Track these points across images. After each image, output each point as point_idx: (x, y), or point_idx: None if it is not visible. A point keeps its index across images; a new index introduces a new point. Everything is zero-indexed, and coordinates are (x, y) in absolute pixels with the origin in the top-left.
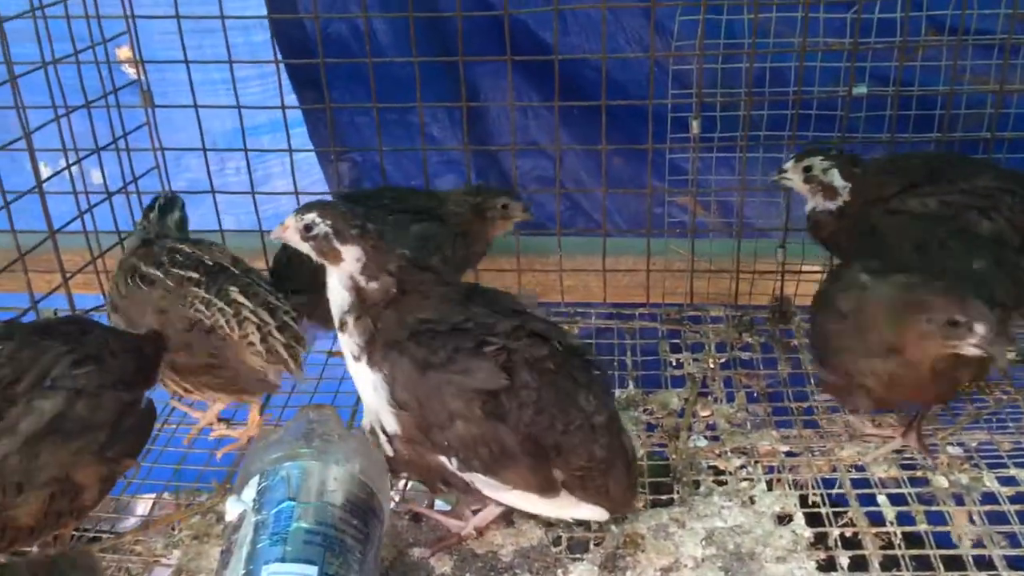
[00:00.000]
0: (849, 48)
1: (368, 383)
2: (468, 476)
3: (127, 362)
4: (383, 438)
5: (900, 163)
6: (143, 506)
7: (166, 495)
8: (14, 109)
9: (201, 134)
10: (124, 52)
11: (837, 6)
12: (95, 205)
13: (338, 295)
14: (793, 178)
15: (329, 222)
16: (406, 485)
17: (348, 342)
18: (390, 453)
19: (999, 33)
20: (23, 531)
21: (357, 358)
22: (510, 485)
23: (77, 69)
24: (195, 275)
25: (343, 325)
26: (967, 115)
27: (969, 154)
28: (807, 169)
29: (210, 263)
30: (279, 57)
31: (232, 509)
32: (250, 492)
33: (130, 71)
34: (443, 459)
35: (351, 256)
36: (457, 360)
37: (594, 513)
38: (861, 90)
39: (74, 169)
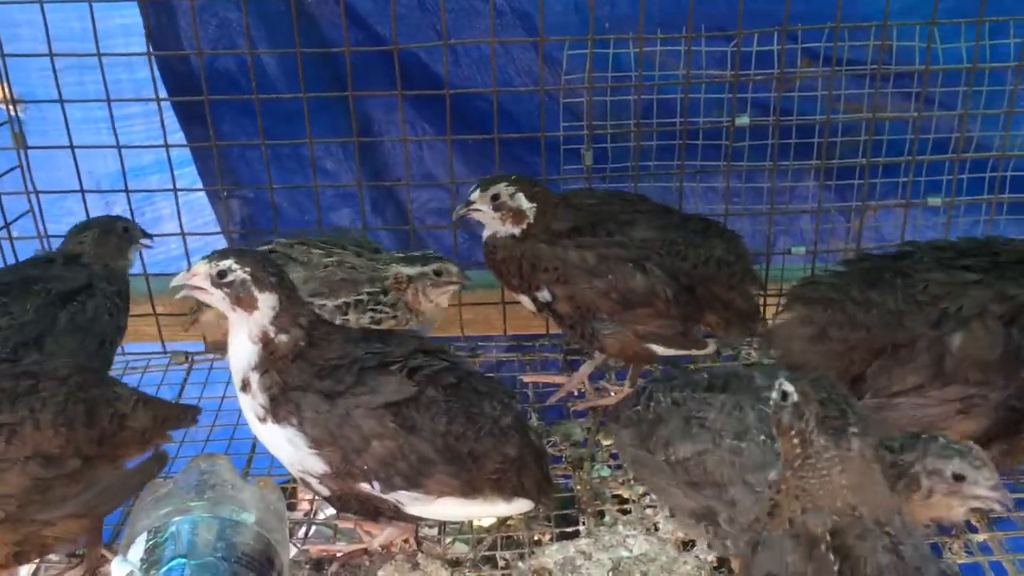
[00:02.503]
0: (730, 79)
1: (281, 439)
2: (393, 496)
3: (63, 434)
4: (314, 482)
5: (574, 201)
6: (26, 570)
7: (54, 556)
8: None
9: (79, 175)
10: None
11: (718, 40)
12: None
13: (244, 349)
14: (483, 208)
15: (248, 268)
16: (307, 531)
17: (251, 404)
18: (326, 493)
19: (869, 63)
20: None
21: (262, 419)
22: (435, 494)
23: None
24: None
25: (246, 385)
26: (844, 142)
27: (845, 180)
28: (495, 197)
29: None
30: (161, 94)
31: (118, 570)
32: (137, 551)
33: (15, 110)
34: (365, 485)
35: (266, 304)
36: (364, 381)
37: (521, 506)
38: (743, 120)
39: None
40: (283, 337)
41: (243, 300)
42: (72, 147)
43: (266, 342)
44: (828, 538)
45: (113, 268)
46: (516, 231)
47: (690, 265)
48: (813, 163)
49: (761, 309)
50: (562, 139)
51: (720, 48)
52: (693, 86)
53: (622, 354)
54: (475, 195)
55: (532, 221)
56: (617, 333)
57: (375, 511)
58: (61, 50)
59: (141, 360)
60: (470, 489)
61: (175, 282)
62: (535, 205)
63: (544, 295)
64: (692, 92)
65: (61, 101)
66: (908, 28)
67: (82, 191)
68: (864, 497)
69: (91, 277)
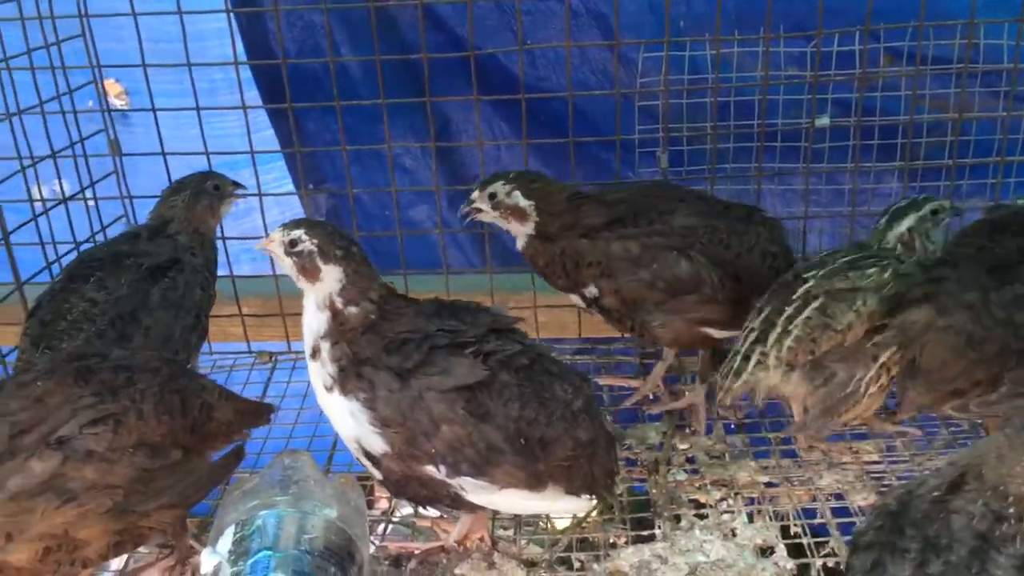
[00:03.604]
0: (810, 80)
1: (344, 412)
2: (457, 481)
3: (165, 424)
4: (368, 463)
5: (608, 197)
6: (117, 561)
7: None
8: None
9: (169, 180)
10: (114, 86)
11: (797, 40)
12: (63, 256)
13: (313, 317)
14: (484, 208)
15: (316, 240)
16: (385, 528)
17: (320, 372)
18: (379, 476)
19: (956, 62)
20: (20, 573)
21: (329, 389)
22: (499, 484)
23: (42, 119)
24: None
25: (315, 352)
26: (928, 143)
27: (930, 181)
28: (492, 196)
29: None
30: (253, 92)
31: (208, 561)
32: (225, 543)
33: (119, 103)
34: (431, 468)
35: (331, 277)
36: (434, 361)
37: (578, 505)
38: (824, 121)
39: (41, 219)
40: (352, 309)
41: (308, 270)
42: (163, 153)
43: (334, 312)
44: None
45: (203, 232)
46: (529, 230)
47: (733, 254)
48: (897, 164)
49: None
50: (637, 141)
51: (799, 48)
52: (771, 87)
53: (677, 343)
54: (475, 194)
55: (538, 219)
56: (668, 322)
57: (432, 497)
58: (160, 50)
59: (227, 359)
60: (537, 482)
61: (256, 247)
62: (533, 202)
63: (592, 291)
64: (770, 93)
65: (154, 110)
66: (996, 25)
67: None
68: None
69: (176, 250)
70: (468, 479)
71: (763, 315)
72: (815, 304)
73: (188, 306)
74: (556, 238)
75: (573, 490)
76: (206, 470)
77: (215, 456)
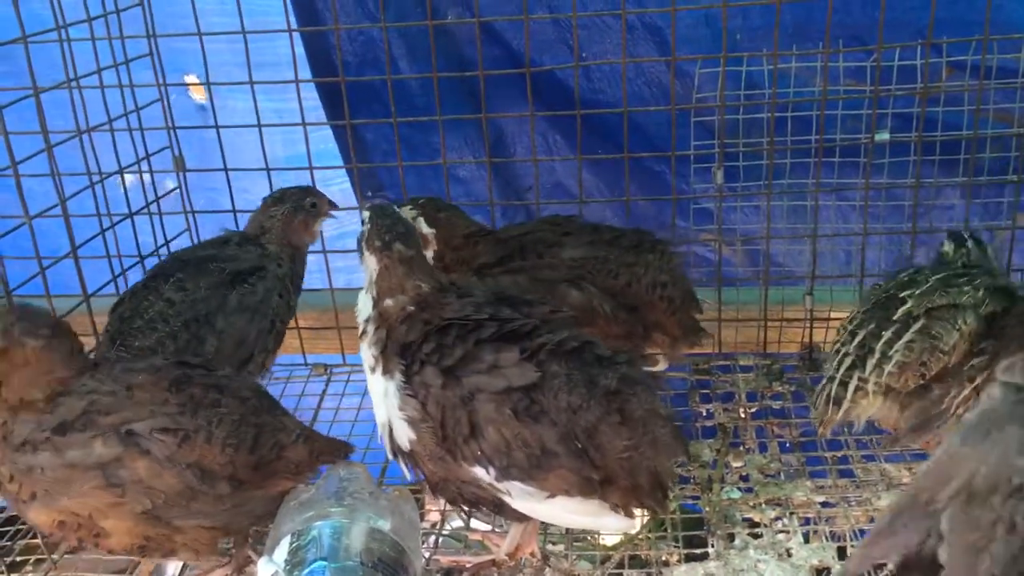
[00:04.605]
0: (870, 95)
1: (380, 392)
2: (505, 485)
3: (228, 455)
4: (400, 461)
5: (501, 234)
6: (173, 566)
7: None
8: (50, 176)
9: (231, 195)
10: (193, 79)
11: (856, 53)
12: (128, 269)
13: (363, 300)
14: None
15: (368, 227)
16: (436, 541)
17: (366, 352)
18: (408, 476)
19: (1021, 75)
20: (39, 527)
21: (372, 369)
22: (549, 491)
23: (111, 135)
24: (881, 295)
25: (364, 333)
26: (991, 158)
27: (993, 197)
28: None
29: (897, 293)
30: (317, 106)
31: (264, 570)
32: (281, 553)
33: (196, 96)
34: (478, 471)
35: (370, 265)
36: (481, 356)
37: (623, 523)
38: (884, 136)
39: (107, 233)
40: (388, 301)
41: (360, 253)
42: (226, 169)
43: (375, 299)
44: None
45: (296, 245)
46: (430, 257)
47: (623, 283)
48: (959, 180)
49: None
50: (693, 157)
51: (859, 63)
52: (830, 102)
53: None
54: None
55: (436, 248)
56: None
57: (473, 500)
58: (229, 59)
59: (284, 371)
60: (588, 487)
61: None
62: (435, 230)
63: None
64: (829, 108)
65: (217, 127)
66: None
67: (234, 211)
68: None
69: (263, 258)
70: (517, 484)
71: (858, 339)
72: (917, 326)
73: (264, 311)
74: (450, 270)
75: (623, 497)
76: (261, 503)
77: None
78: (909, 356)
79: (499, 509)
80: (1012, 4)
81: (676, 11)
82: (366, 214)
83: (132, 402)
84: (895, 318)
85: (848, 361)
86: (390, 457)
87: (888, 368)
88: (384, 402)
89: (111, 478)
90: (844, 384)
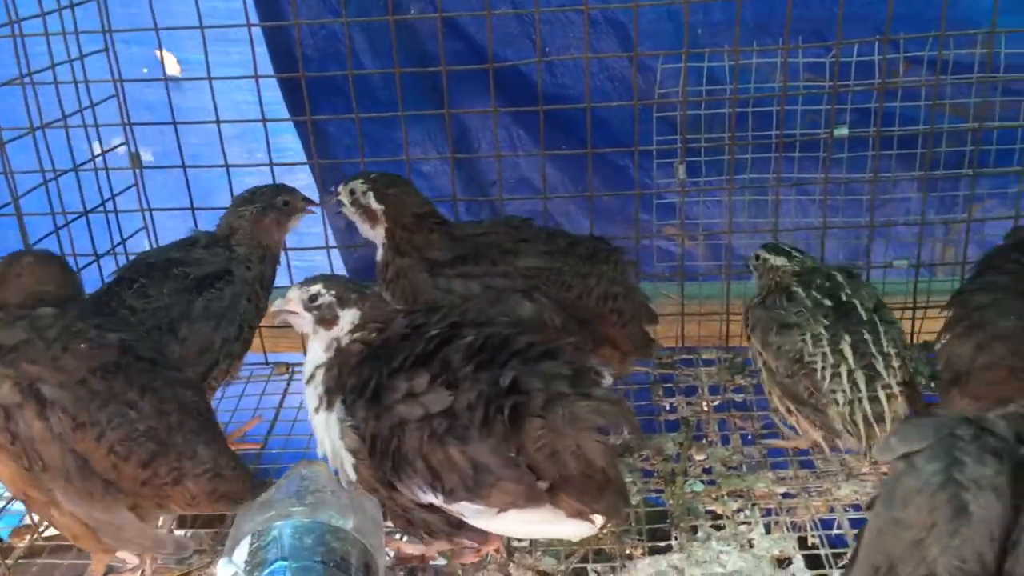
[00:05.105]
0: (829, 91)
1: (322, 423)
2: (456, 507)
3: (111, 460)
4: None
5: (457, 231)
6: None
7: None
8: (2, 175)
9: (190, 193)
10: (169, 58)
11: (816, 49)
12: (83, 268)
13: (319, 352)
14: (346, 203)
15: (333, 291)
16: (401, 538)
17: (311, 394)
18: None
19: (976, 71)
20: None
21: (317, 409)
22: (498, 506)
23: (65, 132)
24: (829, 303)
25: (311, 378)
26: (948, 149)
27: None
28: (352, 193)
29: (845, 299)
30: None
31: (224, 571)
32: (241, 553)
33: (171, 71)
34: (424, 495)
35: (347, 319)
36: (395, 385)
37: (581, 528)
38: (842, 131)
39: (61, 232)
40: (357, 335)
41: (327, 320)
42: (184, 167)
43: (340, 347)
44: None
45: (267, 245)
46: (382, 237)
47: (575, 295)
48: (916, 175)
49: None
50: (655, 152)
51: (818, 58)
52: (790, 97)
53: None
54: (340, 187)
55: (387, 226)
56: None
57: (429, 529)
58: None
59: (245, 370)
60: (535, 495)
61: (274, 308)
62: (383, 207)
63: None
64: (789, 103)
65: (175, 123)
66: (1017, 33)
67: (192, 208)
68: None
69: (230, 261)
70: (465, 504)
71: (850, 354)
72: (878, 319)
73: (231, 317)
74: (403, 253)
75: (575, 502)
76: (134, 528)
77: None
78: (898, 346)
79: (457, 529)
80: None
81: (639, 7)
82: (315, 287)
83: (55, 365)
84: (864, 319)
85: (862, 376)
86: (346, 487)
87: (895, 364)
88: (327, 435)
89: (7, 422)
90: (874, 399)
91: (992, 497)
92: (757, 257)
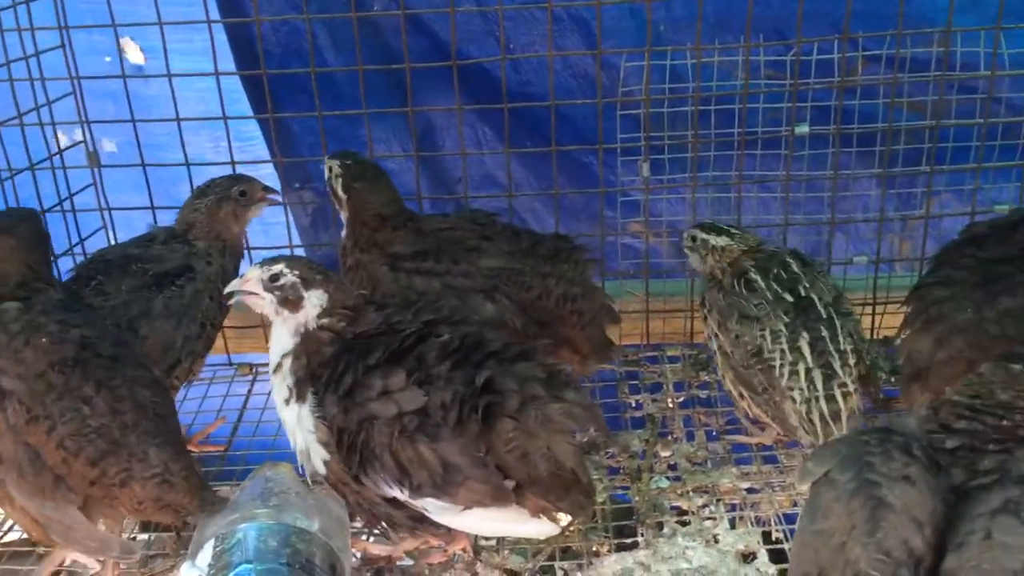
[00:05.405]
0: (789, 89)
1: (293, 417)
2: (420, 502)
3: (60, 455)
4: (321, 476)
5: (424, 225)
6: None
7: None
8: None
9: (149, 192)
10: (132, 47)
11: (777, 47)
12: None
13: (284, 340)
14: (329, 178)
15: (297, 271)
16: (367, 539)
17: (280, 385)
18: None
19: (933, 70)
20: None
21: (287, 401)
22: (463, 504)
23: (21, 131)
24: (789, 298)
25: (278, 367)
26: (907, 145)
27: (908, 188)
28: (329, 170)
29: (804, 293)
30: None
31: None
32: (205, 557)
33: (134, 59)
34: (389, 490)
35: (312, 302)
36: (371, 383)
37: (544, 528)
38: (803, 129)
39: None
40: (325, 320)
41: (291, 301)
42: (143, 165)
43: (307, 333)
44: None
45: (225, 238)
46: (345, 223)
47: (535, 295)
48: (875, 172)
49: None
50: (620, 149)
51: (779, 56)
52: (752, 95)
53: None
54: (326, 162)
55: (348, 215)
56: None
57: (391, 521)
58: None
59: (208, 371)
60: (501, 495)
61: (228, 288)
62: (347, 197)
63: None
64: (750, 101)
65: (133, 121)
66: (972, 32)
67: (152, 207)
68: None
69: (190, 256)
70: (431, 500)
71: (808, 351)
72: (835, 313)
73: (193, 315)
74: (362, 249)
75: (541, 501)
76: (82, 528)
77: None
78: (855, 340)
79: (419, 523)
80: None
81: (601, 4)
82: (276, 267)
83: (16, 357)
84: (823, 316)
85: (820, 375)
86: (311, 485)
87: (852, 362)
88: (299, 427)
89: None
90: (831, 397)
91: (906, 486)
92: (694, 239)
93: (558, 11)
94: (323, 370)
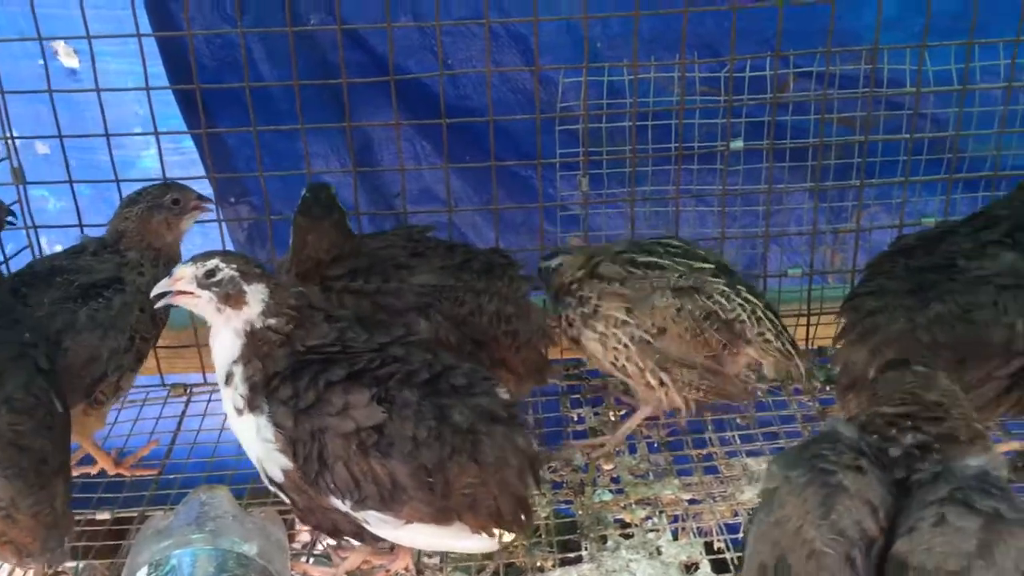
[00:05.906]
0: (724, 105)
1: (251, 430)
2: (362, 515)
3: None
4: (274, 489)
5: (363, 245)
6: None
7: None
8: None
9: (78, 212)
10: (65, 48)
11: (712, 64)
12: None
13: (230, 345)
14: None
15: (234, 265)
16: (307, 562)
17: (232, 396)
18: (287, 502)
19: (861, 86)
20: None
21: (240, 411)
22: (405, 519)
23: None
24: (709, 266)
25: (229, 377)
26: (838, 155)
27: (839, 201)
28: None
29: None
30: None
31: None
32: None
33: (67, 62)
34: (335, 501)
35: (256, 297)
36: (331, 400)
37: (484, 544)
38: (738, 145)
39: None
40: (271, 321)
41: (231, 297)
42: (71, 181)
43: (252, 333)
44: None
45: (158, 248)
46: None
47: (467, 311)
48: (807, 186)
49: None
50: (559, 164)
51: (714, 73)
52: (687, 110)
53: None
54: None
55: (295, 239)
56: None
57: (335, 528)
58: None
59: (139, 393)
60: (444, 516)
61: (156, 289)
62: (293, 228)
63: None
64: (686, 116)
65: (60, 136)
66: (898, 50)
67: (80, 225)
68: None
69: (120, 268)
70: (373, 513)
71: (755, 293)
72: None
73: (121, 327)
74: (300, 275)
75: (481, 523)
76: None
77: None
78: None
79: (359, 535)
80: (849, 15)
81: (538, 20)
82: (212, 262)
83: None
84: (744, 295)
85: (771, 313)
86: (269, 488)
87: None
88: (257, 437)
89: None
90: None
91: (857, 474)
92: (546, 269)
93: (496, 27)
94: (279, 380)
